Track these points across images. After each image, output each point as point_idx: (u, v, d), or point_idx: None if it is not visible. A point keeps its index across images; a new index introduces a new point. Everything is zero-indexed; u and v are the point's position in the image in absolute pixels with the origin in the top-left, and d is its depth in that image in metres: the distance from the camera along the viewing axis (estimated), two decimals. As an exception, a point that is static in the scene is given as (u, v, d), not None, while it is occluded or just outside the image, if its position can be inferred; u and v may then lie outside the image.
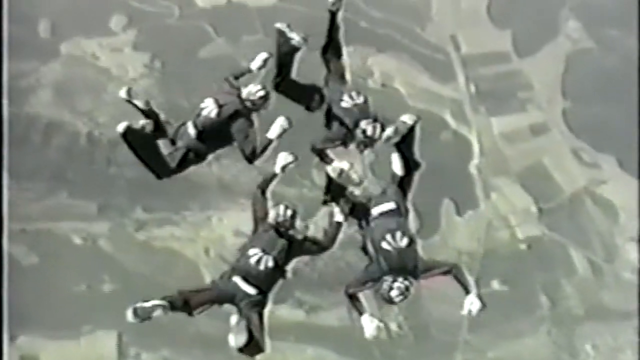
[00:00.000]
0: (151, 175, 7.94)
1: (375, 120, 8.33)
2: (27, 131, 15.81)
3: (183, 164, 8.26)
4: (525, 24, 17.46)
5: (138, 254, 14.92)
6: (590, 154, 16.36)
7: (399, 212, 8.24)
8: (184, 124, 8.29)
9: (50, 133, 15.91)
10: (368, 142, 8.33)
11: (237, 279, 7.92)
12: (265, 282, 7.99)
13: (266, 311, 7.94)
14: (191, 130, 8.22)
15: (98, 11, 16.68)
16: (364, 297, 7.98)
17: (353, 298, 8.01)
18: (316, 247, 8.23)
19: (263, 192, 8.34)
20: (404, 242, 7.99)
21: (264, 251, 7.98)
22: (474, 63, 17.08)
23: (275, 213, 8.06)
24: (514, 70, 17.19)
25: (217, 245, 14.98)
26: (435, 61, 17.03)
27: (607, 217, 15.80)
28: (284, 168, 8.29)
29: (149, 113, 8.23)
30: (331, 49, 8.72)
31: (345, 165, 8.28)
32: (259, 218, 8.23)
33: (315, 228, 8.75)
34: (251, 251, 7.99)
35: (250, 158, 8.22)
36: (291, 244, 8.08)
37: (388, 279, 7.81)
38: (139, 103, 8.20)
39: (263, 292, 7.98)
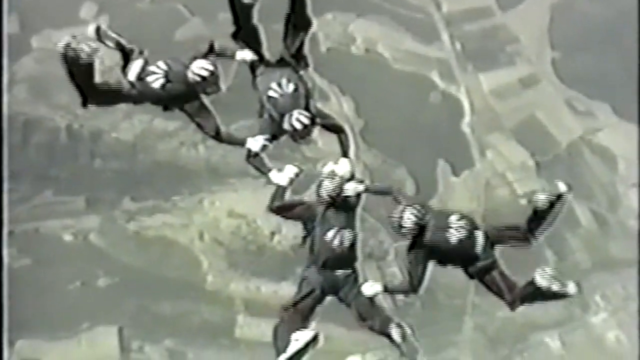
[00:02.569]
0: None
1: (306, 108, 7.94)
2: (5, 131, 15.43)
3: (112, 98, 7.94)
4: (504, -24, 17.16)
5: (131, 245, 14.60)
6: (583, 103, 16.10)
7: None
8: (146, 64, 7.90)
9: (29, 131, 15.53)
10: (297, 135, 7.94)
11: (338, 272, 7.86)
12: (352, 257, 7.98)
13: None
14: (131, 76, 7.85)
15: (66, 1, 16.24)
16: None
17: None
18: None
19: (281, 207, 8.07)
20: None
21: (339, 229, 7.84)
22: (457, 21, 16.72)
23: (325, 189, 7.85)
24: (498, 24, 16.87)
25: (211, 228, 14.69)
26: (418, 22, 16.67)
27: (606, 166, 15.61)
28: (292, 181, 8.05)
29: (124, 49, 8.00)
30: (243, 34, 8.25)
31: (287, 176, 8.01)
32: (305, 215, 8.00)
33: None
34: (328, 235, 7.79)
35: (217, 138, 7.94)
36: (352, 209, 7.96)
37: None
38: (110, 43, 8.02)
39: (352, 268, 7.96)
